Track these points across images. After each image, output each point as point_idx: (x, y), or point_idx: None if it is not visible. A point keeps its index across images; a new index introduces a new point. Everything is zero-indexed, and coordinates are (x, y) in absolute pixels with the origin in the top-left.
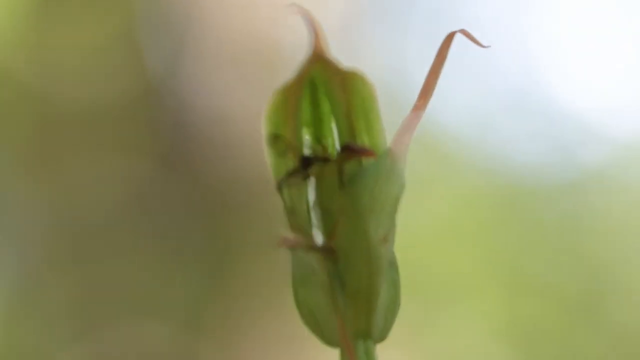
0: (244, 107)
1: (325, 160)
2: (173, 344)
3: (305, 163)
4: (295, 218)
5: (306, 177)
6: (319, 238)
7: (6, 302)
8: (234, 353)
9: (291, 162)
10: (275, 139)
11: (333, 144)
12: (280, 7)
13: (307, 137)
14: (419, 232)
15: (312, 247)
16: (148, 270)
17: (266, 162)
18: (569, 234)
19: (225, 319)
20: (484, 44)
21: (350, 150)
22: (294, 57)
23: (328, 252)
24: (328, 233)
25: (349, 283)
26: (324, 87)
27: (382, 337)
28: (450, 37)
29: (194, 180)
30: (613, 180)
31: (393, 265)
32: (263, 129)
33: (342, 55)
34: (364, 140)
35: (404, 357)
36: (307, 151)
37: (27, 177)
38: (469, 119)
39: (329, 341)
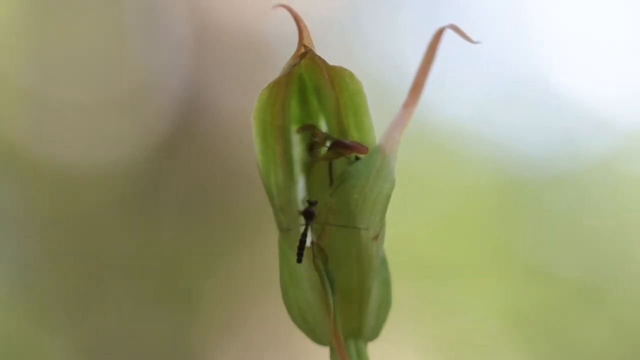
0: (236, 102)
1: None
2: (168, 332)
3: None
4: (285, 216)
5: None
6: (308, 237)
7: (4, 291)
8: (228, 343)
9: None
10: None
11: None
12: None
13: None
14: (421, 225)
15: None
16: (144, 259)
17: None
18: (572, 225)
19: (220, 308)
20: (484, 34)
21: (340, 146)
22: (285, 53)
23: (318, 250)
24: (318, 232)
25: (340, 282)
26: (313, 83)
27: (373, 336)
28: (439, 33)
29: (189, 171)
30: (617, 171)
31: (384, 263)
32: (252, 126)
33: (334, 50)
34: (353, 137)
35: (402, 349)
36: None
37: (25, 170)
38: (470, 110)
39: (319, 340)
